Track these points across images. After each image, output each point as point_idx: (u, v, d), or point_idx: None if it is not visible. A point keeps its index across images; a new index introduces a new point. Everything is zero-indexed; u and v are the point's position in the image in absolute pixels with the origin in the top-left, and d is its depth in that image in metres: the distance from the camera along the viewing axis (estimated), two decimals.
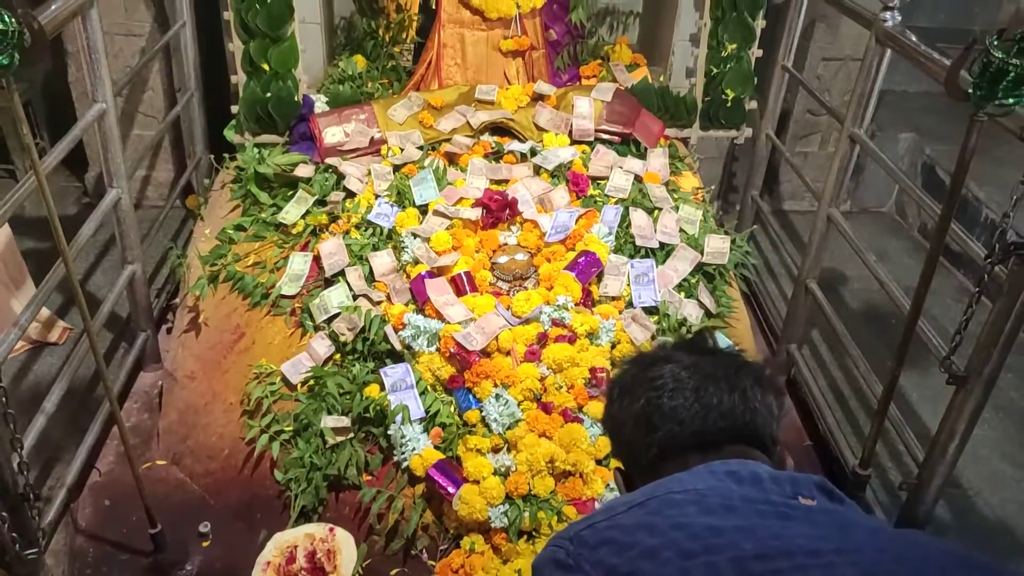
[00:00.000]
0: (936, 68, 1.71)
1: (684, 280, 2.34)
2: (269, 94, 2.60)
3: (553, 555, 0.80)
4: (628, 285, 2.29)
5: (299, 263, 2.31)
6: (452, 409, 2.02)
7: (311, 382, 2.11)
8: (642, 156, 2.70)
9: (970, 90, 1.29)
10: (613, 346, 2.14)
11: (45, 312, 2.41)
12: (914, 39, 1.88)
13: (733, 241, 2.45)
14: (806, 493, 0.80)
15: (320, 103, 2.71)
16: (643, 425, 0.91)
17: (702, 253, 2.38)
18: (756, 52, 2.83)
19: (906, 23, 2.03)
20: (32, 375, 2.34)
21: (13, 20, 1.25)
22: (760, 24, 2.79)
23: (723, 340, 2.18)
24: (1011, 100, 1.26)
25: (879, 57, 2.07)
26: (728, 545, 0.73)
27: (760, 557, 0.71)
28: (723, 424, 0.89)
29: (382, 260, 2.29)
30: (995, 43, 1.23)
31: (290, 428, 2.06)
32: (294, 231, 2.39)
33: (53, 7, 1.63)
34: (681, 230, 2.44)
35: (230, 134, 2.69)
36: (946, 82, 1.32)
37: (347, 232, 2.36)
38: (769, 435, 0.91)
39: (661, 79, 3.02)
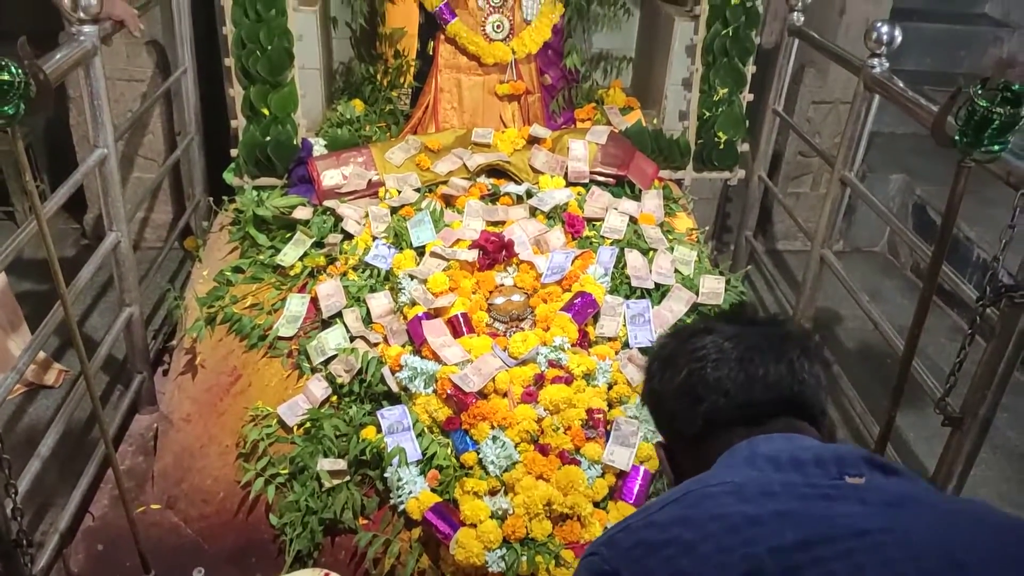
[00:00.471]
0: (923, 114, 1.75)
1: (680, 320, 2.35)
2: (268, 138, 2.64)
3: (590, 565, 0.77)
4: (624, 326, 2.30)
5: (296, 305, 2.31)
6: (449, 451, 2.02)
7: (307, 424, 2.10)
8: (637, 197, 2.73)
9: (956, 137, 1.32)
10: (610, 387, 2.14)
11: (41, 354, 2.41)
12: (901, 85, 1.92)
13: (728, 281, 2.47)
14: (853, 471, 0.76)
15: (319, 146, 2.75)
16: (687, 397, 0.88)
17: (697, 294, 2.40)
18: (747, 96, 2.89)
19: (893, 66, 2.08)
20: (27, 418, 2.33)
21: (20, 71, 1.27)
22: (751, 69, 2.85)
23: None
24: (996, 147, 1.29)
25: (867, 102, 2.11)
26: (768, 535, 0.69)
27: (802, 545, 0.67)
28: (770, 396, 0.86)
29: (379, 302, 2.30)
30: (979, 91, 1.27)
31: (286, 471, 2.05)
32: (292, 273, 2.41)
33: (58, 56, 1.67)
34: (676, 271, 2.46)
35: (229, 177, 2.72)
36: (933, 130, 1.35)
37: (345, 274, 2.37)
38: (818, 406, 0.88)
39: (655, 122, 3.07)
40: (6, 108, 1.27)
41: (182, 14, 2.58)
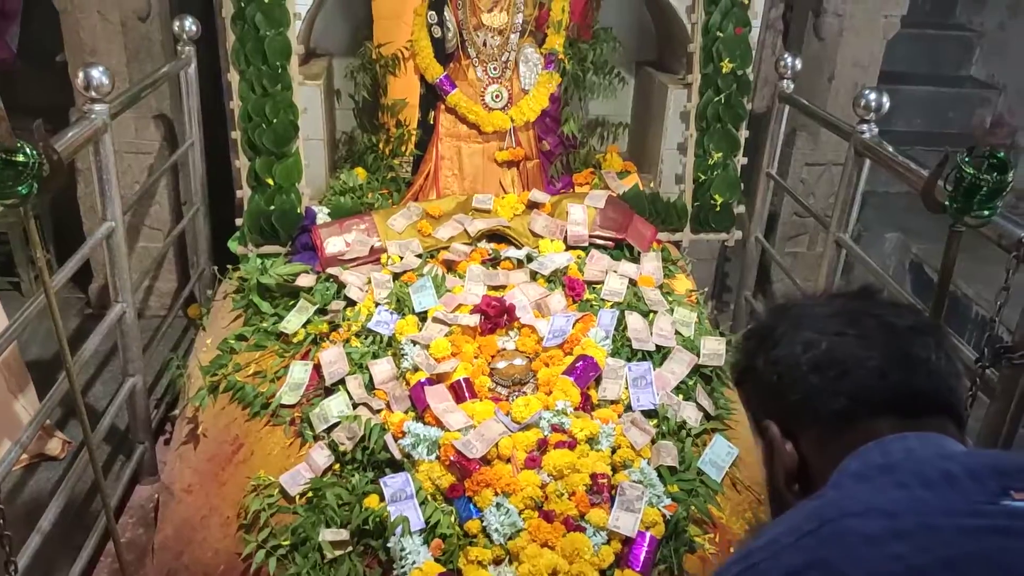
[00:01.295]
0: (914, 177, 1.79)
1: (682, 382, 2.35)
2: (273, 207, 2.69)
3: None
4: (626, 388, 2.30)
5: (299, 372, 2.32)
6: (452, 519, 1.99)
7: (310, 494, 2.09)
8: (636, 260, 2.76)
9: (947, 203, 1.35)
10: (613, 451, 2.13)
11: (46, 422, 2.40)
12: (891, 150, 1.97)
13: (729, 342, 2.48)
14: (1019, 485, 0.63)
15: (322, 214, 2.80)
16: (827, 369, 0.75)
17: (698, 355, 2.40)
18: (741, 160, 2.95)
19: (884, 127, 2.14)
20: (28, 491, 2.31)
21: (35, 152, 1.31)
22: (744, 134, 2.92)
23: (722, 444, 2.18)
24: (987, 212, 1.32)
25: (859, 167, 2.16)
26: None
27: None
28: (929, 386, 0.73)
29: (382, 368, 2.30)
30: (966, 159, 1.30)
31: (287, 542, 2.02)
32: (295, 340, 2.42)
33: (70, 134, 1.72)
34: (677, 332, 2.48)
35: (234, 245, 2.76)
36: (923, 196, 1.38)
37: (347, 340, 2.38)
38: (965, 413, 0.77)
39: (651, 185, 3.13)
40: (20, 188, 1.30)
41: (191, 90, 2.66)
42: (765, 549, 0.66)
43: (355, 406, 2.21)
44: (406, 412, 2.18)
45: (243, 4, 2.53)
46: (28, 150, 1.31)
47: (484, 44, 2.98)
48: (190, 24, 2.59)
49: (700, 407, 2.30)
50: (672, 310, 2.55)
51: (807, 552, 0.62)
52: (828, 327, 0.77)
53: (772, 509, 0.85)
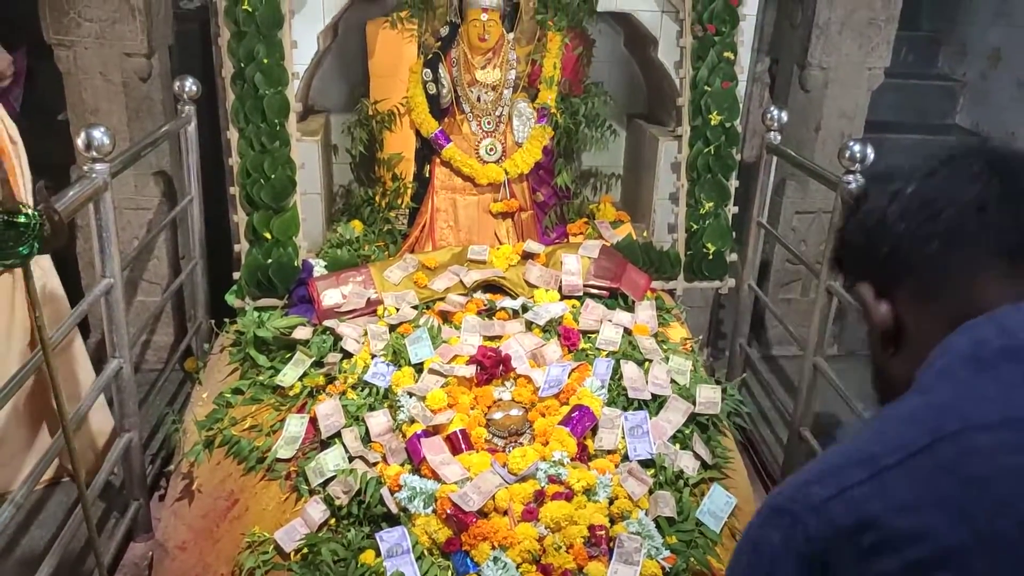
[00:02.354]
0: None
1: (678, 431, 2.35)
2: (270, 261, 2.71)
3: (783, 536, 0.50)
4: (623, 438, 2.30)
5: (295, 425, 2.32)
6: (450, 574, 1.97)
7: (305, 550, 2.07)
8: (630, 309, 2.78)
9: None
10: (611, 502, 2.12)
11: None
12: None
13: (724, 390, 2.49)
14: None
15: (319, 267, 2.82)
16: (916, 212, 0.64)
17: (694, 404, 2.41)
18: (732, 209, 3.00)
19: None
20: (21, 549, 2.28)
21: (36, 214, 1.34)
22: (734, 184, 2.97)
23: (720, 493, 2.17)
24: None
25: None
26: None
27: None
28: None
29: (378, 420, 2.30)
30: None
31: None
32: (291, 393, 2.42)
33: (71, 193, 1.75)
34: (672, 381, 2.49)
35: (231, 299, 2.78)
36: None
37: (344, 393, 2.39)
38: None
39: (644, 234, 3.17)
40: (21, 248, 1.33)
41: (190, 147, 2.71)
42: (862, 466, 0.51)
43: (351, 459, 2.21)
44: (402, 465, 2.17)
45: (243, 64, 2.60)
46: (30, 211, 1.34)
47: (478, 99, 3.05)
48: (191, 84, 2.66)
49: (697, 456, 2.30)
50: (667, 359, 2.56)
51: (919, 482, 0.47)
52: (917, 172, 0.67)
53: (878, 395, 0.73)
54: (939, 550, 0.45)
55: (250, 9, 2.55)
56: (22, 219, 1.33)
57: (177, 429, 2.43)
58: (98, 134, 1.89)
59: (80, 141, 1.88)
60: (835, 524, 0.49)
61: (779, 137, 2.77)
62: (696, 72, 2.88)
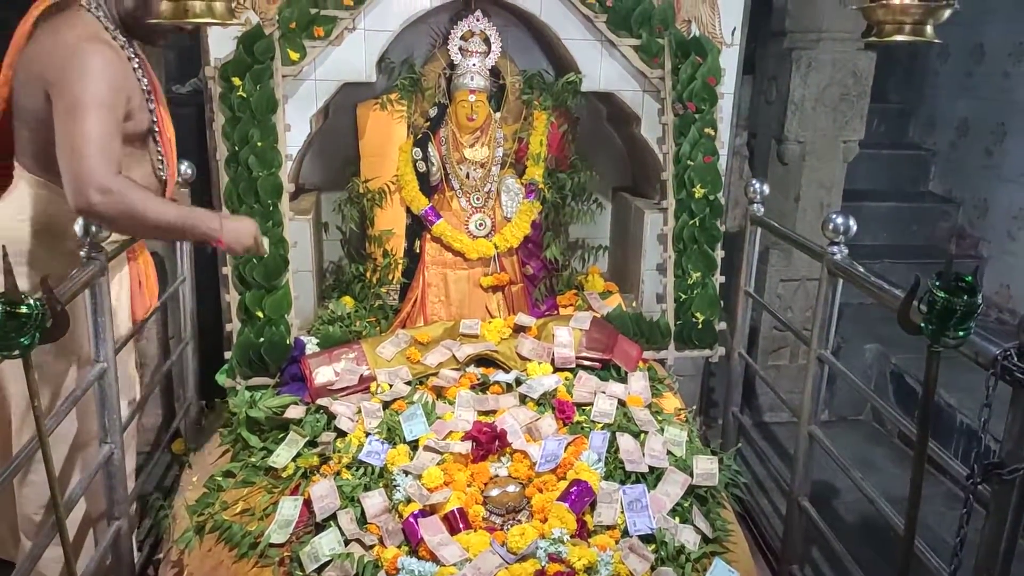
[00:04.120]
0: (887, 297, 1.86)
1: (677, 504, 2.33)
2: (262, 339, 2.71)
3: None
4: (622, 512, 2.27)
5: (289, 508, 2.27)
6: None
7: None
8: (623, 380, 2.79)
9: (923, 324, 1.41)
10: None
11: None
12: (862, 271, 2.06)
13: (721, 460, 2.48)
14: None
15: (311, 344, 2.82)
16: None
17: (692, 475, 2.40)
18: (719, 278, 3.05)
19: (851, 242, 2.23)
20: None
21: (38, 304, 1.34)
22: (719, 254, 3.03)
23: (722, 568, 2.14)
24: (961, 333, 1.38)
25: (833, 286, 2.25)
26: None
27: None
28: None
29: (374, 500, 2.27)
30: (937, 284, 1.37)
31: None
32: (284, 475, 2.38)
33: (70, 284, 1.75)
34: (669, 452, 2.48)
35: (222, 378, 2.76)
36: (899, 319, 1.45)
37: (338, 473, 2.35)
38: None
39: (634, 305, 3.21)
40: (23, 339, 1.33)
41: None
42: None
43: (347, 542, 2.16)
44: (399, 547, 2.13)
45: (237, 148, 2.65)
46: (32, 301, 1.34)
47: (467, 176, 3.12)
48: (186, 168, 2.70)
49: (698, 530, 2.27)
50: (663, 429, 2.56)
51: None
52: None
53: None
54: None
55: (245, 95, 2.62)
56: (24, 309, 1.33)
57: (167, 515, 2.37)
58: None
59: (78, 228, 1.90)
60: None
61: (761, 209, 2.85)
62: (679, 148, 2.97)
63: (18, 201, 2.06)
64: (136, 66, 2.09)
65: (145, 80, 2.13)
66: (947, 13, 1.70)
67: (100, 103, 1.86)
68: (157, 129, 2.19)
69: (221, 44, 2.67)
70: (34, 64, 1.93)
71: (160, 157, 2.22)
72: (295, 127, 2.79)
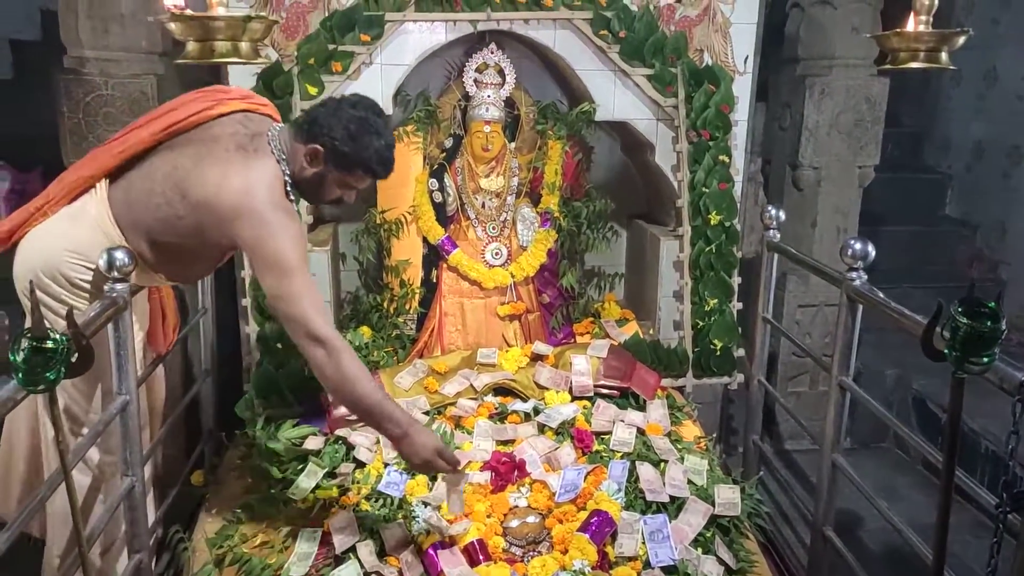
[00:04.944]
0: (908, 323, 1.85)
1: (699, 534, 2.31)
2: (281, 370, 2.72)
3: None
4: (643, 543, 2.25)
5: (308, 541, 2.26)
6: None
7: None
8: (642, 408, 2.78)
9: (946, 351, 1.40)
10: None
11: None
12: (882, 296, 2.04)
13: (743, 489, 2.46)
14: None
15: None
16: None
17: (713, 505, 2.37)
18: (736, 305, 3.04)
19: (867, 266, 2.22)
20: None
21: (64, 339, 1.36)
22: (736, 280, 3.02)
23: None
24: (985, 359, 1.36)
25: (853, 312, 2.23)
26: None
27: None
28: None
29: (393, 532, 2.26)
30: (960, 310, 1.36)
31: None
32: (303, 506, 2.38)
33: (92, 314, 1.78)
34: (690, 481, 2.45)
35: (241, 410, 2.76)
36: (922, 346, 1.43)
37: (357, 504, 2.35)
38: None
39: (651, 332, 3.20)
40: (48, 374, 1.34)
41: None
42: None
43: (367, 575, 2.15)
44: None
45: None
46: (58, 336, 1.36)
47: (483, 206, 3.14)
48: None
49: (721, 561, 2.24)
50: (683, 458, 2.54)
51: None
52: None
53: None
54: None
55: None
56: (50, 344, 1.35)
57: (186, 548, 2.37)
58: (120, 255, 1.93)
59: (103, 262, 1.92)
60: None
61: (778, 235, 2.84)
62: (693, 175, 2.98)
63: (74, 236, 2.05)
64: None
65: None
66: (961, 40, 1.70)
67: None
68: None
69: (242, 80, 2.72)
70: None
71: None
72: None
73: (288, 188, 2.05)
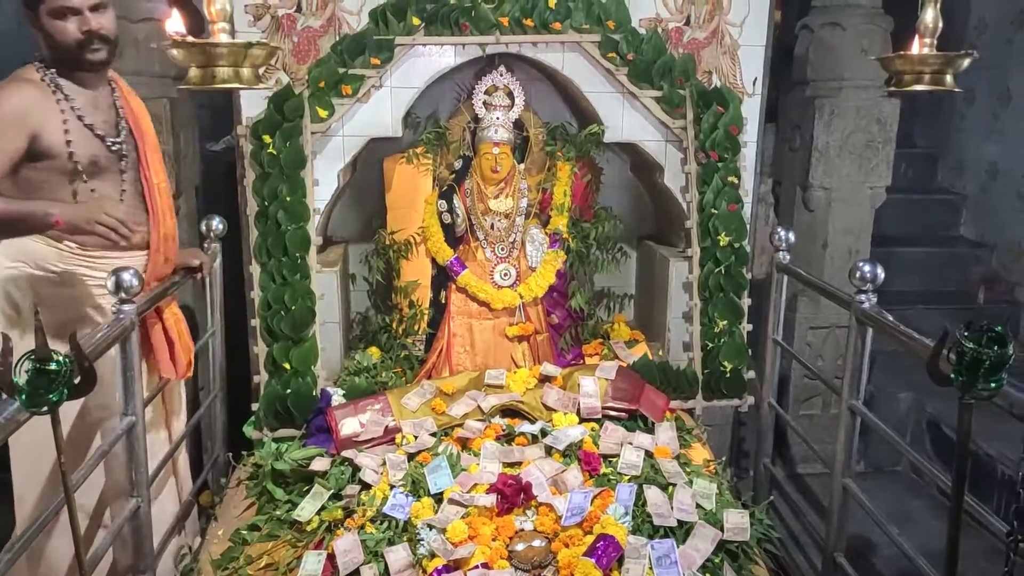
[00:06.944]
0: (917, 346, 1.83)
1: (708, 560, 2.27)
2: (289, 391, 2.72)
3: None
4: (650, 568, 2.22)
5: (312, 563, 2.25)
6: None
7: None
8: (650, 430, 2.75)
9: (953, 376, 1.38)
10: None
11: None
12: (892, 319, 2.02)
13: (752, 514, 2.42)
14: None
15: (337, 396, 2.83)
16: None
17: (722, 530, 2.34)
18: (747, 326, 3.02)
19: (882, 288, 2.20)
20: None
21: (67, 361, 1.37)
22: (746, 302, 3.00)
23: None
24: (993, 384, 1.34)
25: (863, 335, 2.21)
26: None
27: None
28: None
29: (397, 555, 2.24)
30: (965, 334, 1.35)
31: None
32: (308, 528, 2.37)
33: (98, 336, 1.79)
34: (698, 506, 2.42)
35: (249, 430, 2.77)
36: (928, 370, 1.42)
37: (362, 527, 2.34)
38: None
39: (660, 353, 3.18)
40: (51, 396, 1.35)
41: (214, 283, 2.77)
42: None
43: None
44: None
45: (267, 203, 2.71)
46: (61, 358, 1.37)
47: (492, 227, 3.15)
48: (217, 223, 2.76)
49: None
50: (691, 482, 2.51)
51: None
52: None
53: None
54: None
55: (275, 152, 2.69)
56: (53, 366, 1.36)
57: (192, 569, 2.37)
58: (127, 276, 1.95)
59: (109, 284, 1.94)
60: None
61: (788, 257, 2.83)
62: (702, 196, 2.97)
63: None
64: (73, 105, 2.16)
65: (88, 118, 2.19)
66: (966, 62, 1.69)
67: None
68: (123, 167, 2.27)
69: (253, 103, 2.76)
70: None
71: (123, 188, 2.28)
72: (323, 182, 2.85)
73: (55, 74, 2.15)
